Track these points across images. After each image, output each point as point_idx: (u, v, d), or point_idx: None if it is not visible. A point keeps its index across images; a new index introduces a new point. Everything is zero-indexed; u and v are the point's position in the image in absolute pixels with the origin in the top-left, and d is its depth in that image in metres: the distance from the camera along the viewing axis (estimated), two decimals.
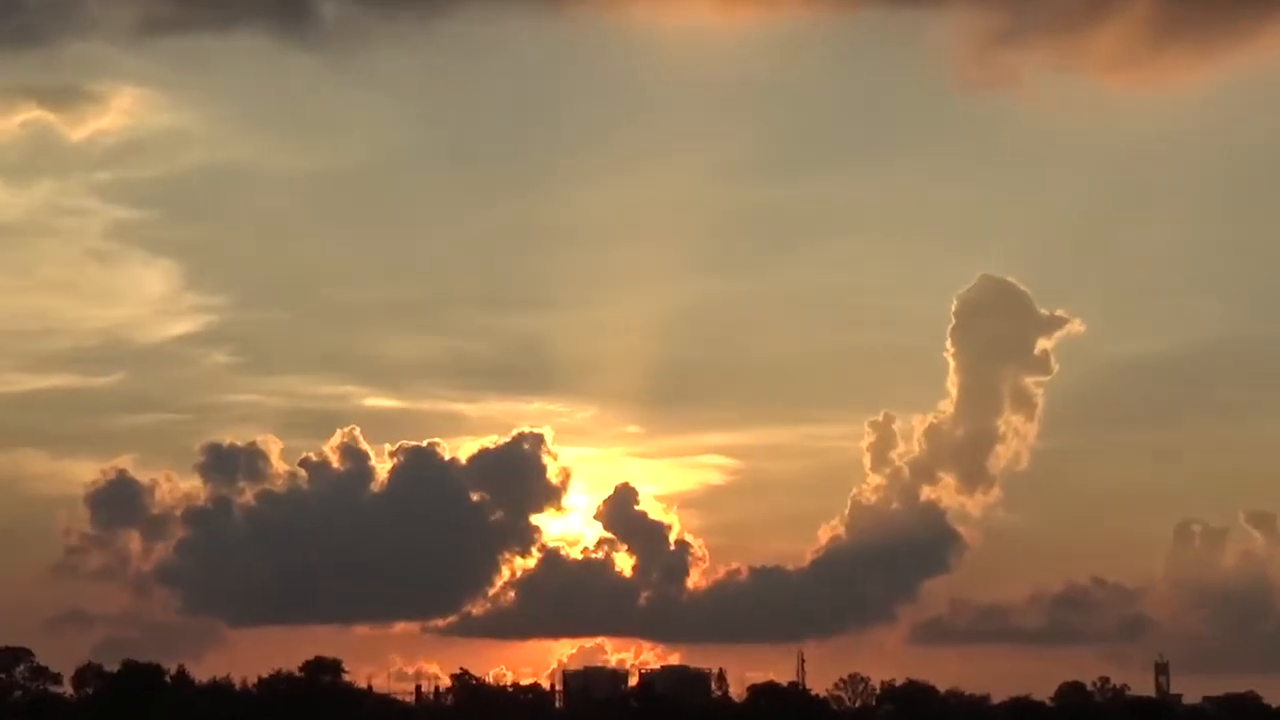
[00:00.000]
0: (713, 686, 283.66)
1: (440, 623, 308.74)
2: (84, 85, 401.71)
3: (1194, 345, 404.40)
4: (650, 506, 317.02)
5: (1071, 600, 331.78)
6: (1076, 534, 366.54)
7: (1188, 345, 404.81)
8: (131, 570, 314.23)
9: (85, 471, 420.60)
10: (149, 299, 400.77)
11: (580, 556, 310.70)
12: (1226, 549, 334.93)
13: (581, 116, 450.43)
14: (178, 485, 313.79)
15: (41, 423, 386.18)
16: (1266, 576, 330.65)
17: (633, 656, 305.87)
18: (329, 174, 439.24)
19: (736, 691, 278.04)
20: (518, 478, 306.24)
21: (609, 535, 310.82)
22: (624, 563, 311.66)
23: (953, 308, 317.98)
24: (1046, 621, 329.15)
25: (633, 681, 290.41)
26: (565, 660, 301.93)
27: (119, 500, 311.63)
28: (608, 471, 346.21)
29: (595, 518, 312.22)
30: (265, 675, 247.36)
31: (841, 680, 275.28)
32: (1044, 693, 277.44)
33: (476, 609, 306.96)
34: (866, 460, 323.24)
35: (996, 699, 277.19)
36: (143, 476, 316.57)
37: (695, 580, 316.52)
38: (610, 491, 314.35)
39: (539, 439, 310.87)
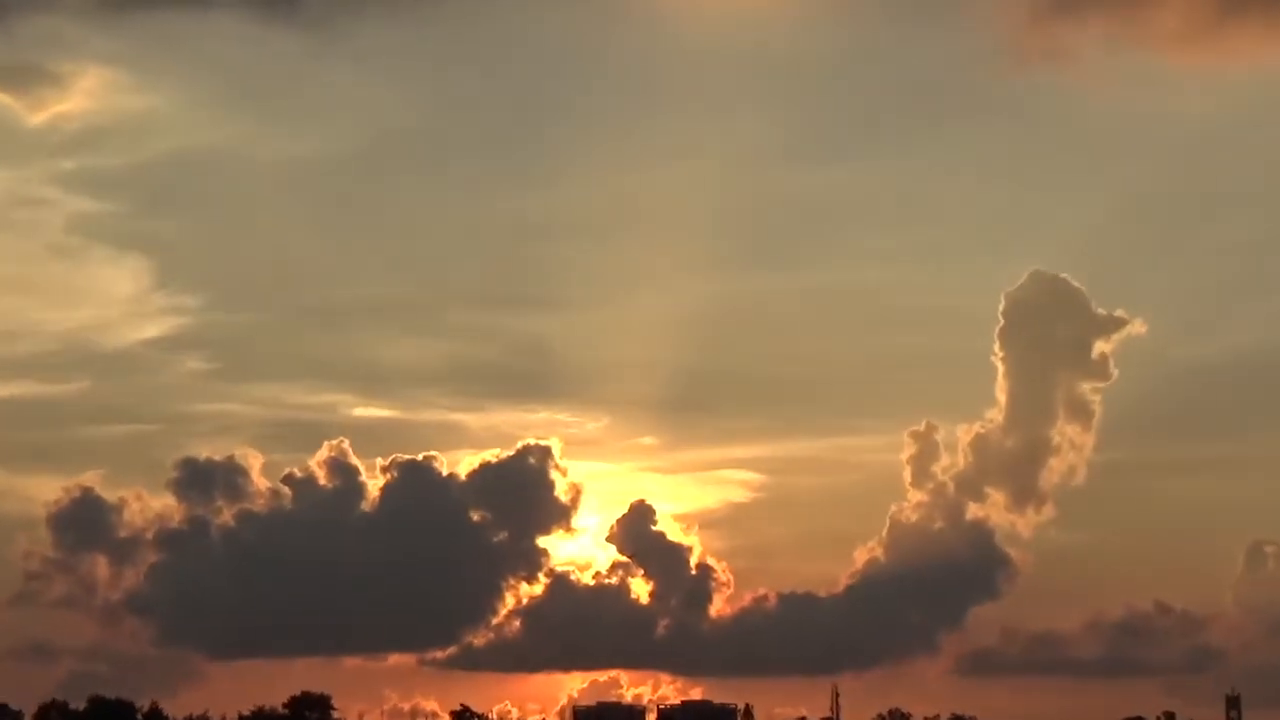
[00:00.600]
0: None
1: (439, 654, 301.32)
2: (44, 64, 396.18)
3: (1266, 348, 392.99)
4: (669, 527, 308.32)
5: (1133, 628, 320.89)
6: (1138, 555, 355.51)
7: (1259, 348, 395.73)
8: (99, 598, 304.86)
9: (46, 489, 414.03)
10: (116, 299, 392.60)
11: (592, 582, 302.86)
12: None
13: (594, 97, 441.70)
14: (149, 504, 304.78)
15: None
16: None
17: (650, 691, 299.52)
18: (314, 162, 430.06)
19: None
20: (523, 495, 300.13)
21: (623, 558, 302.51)
22: (640, 588, 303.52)
23: (1001, 307, 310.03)
24: (1105, 651, 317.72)
25: (650, 718, 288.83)
26: (576, 695, 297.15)
27: (84, 521, 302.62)
28: (622, 488, 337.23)
29: (608, 539, 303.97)
30: (246, 712, 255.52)
31: (880, 716, 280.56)
32: None
33: (478, 639, 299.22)
34: (906, 475, 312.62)
35: None
36: (110, 495, 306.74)
37: (718, 607, 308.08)
38: (624, 510, 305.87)
39: (546, 452, 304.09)
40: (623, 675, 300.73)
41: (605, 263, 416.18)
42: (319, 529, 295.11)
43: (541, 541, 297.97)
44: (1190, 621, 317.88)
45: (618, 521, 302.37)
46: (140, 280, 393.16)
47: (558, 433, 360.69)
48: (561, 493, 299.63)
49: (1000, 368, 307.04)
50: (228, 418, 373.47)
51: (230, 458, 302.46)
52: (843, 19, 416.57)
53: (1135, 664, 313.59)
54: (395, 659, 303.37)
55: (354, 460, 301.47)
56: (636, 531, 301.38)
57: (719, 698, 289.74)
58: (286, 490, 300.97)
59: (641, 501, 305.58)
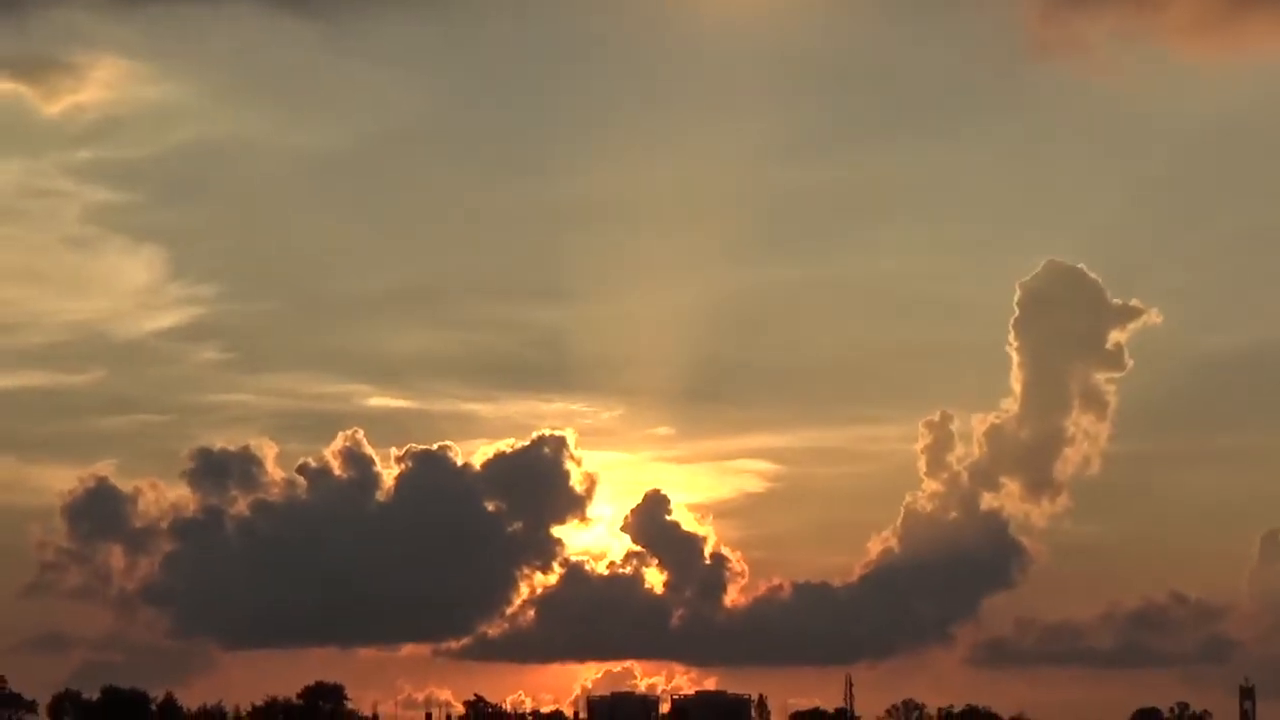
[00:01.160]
0: (752, 713, 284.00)
1: (453, 645, 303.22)
2: (60, 55, 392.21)
3: None
4: (683, 516, 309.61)
5: (1148, 619, 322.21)
6: (1153, 546, 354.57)
7: (1275, 338, 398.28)
8: (113, 588, 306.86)
9: (61, 479, 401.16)
10: (131, 290, 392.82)
11: (606, 572, 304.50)
12: None
13: (610, 86, 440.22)
14: (163, 494, 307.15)
15: (12, 426, 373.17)
16: None
17: (664, 681, 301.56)
18: (329, 152, 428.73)
19: (778, 719, 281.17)
20: (537, 485, 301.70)
21: (638, 548, 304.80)
22: (654, 578, 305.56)
23: (1016, 297, 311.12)
24: (1120, 642, 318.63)
25: (664, 708, 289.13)
26: (590, 685, 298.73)
27: (98, 511, 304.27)
28: (636, 478, 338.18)
29: (623, 529, 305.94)
30: (260, 702, 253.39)
31: (894, 707, 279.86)
32: None
33: (492, 630, 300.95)
34: (921, 464, 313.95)
35: None
36: (125, 485, 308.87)
37: (733, 597, 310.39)
38: (639, 500, 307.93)
39: (560, 442, 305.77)
40: (636, 665, 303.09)
41: (620, 254, 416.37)
42: (333, 519, 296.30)
43: (556, 531, 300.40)
44: (1205, 612, 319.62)
45: (632, 511, 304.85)
46: (155, 270, 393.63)
47: (572, 423, 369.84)
48: (576, 483, 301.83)
49: (1015, 358, 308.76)
50: (242, 408, 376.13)
51: (245, 448, 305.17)
52: (859, 11, 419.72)
53: (1150, 654, 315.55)
54: (409, 649, 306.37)
55: (369, 450, 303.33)
56: (651, 521, 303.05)
57: (733, 688, 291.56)
58: (301, 480, 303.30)
59: (656, 491, 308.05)
